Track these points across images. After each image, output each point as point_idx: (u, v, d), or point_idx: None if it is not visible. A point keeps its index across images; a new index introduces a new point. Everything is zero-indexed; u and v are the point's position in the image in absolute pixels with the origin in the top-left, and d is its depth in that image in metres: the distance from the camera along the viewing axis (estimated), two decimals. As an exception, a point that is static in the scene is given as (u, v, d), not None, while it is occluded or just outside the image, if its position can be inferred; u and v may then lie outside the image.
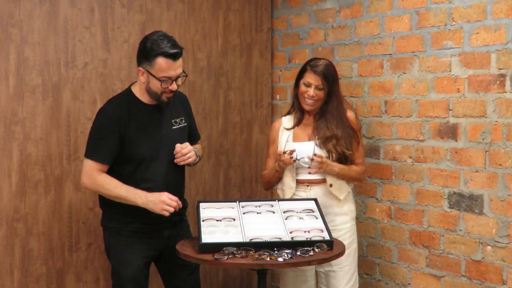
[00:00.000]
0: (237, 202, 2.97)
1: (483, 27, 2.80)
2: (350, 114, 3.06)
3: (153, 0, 3.53)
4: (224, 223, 2.78)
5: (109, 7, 3.37)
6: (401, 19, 3.18)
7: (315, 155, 2.91)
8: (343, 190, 3.03)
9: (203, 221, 2.77)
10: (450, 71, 2.96)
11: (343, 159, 2.99)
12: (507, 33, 2.71)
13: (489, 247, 2.83)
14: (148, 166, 2.77)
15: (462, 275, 2.95)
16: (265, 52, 4.03)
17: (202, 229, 2.71)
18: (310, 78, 3.00)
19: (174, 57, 2.65)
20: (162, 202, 2.67)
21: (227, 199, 3.87)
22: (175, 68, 2.68)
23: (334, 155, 2.98)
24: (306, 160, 2.93)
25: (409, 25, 3.14)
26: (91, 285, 3.38)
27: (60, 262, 3.26)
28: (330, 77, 2.99)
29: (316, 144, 2.99)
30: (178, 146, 2.80)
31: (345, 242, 2.91)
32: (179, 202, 2.73)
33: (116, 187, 2.70)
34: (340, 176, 2.99)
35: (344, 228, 3.04)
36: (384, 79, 3.30)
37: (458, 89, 2.93)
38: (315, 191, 3.01)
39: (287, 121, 3.15)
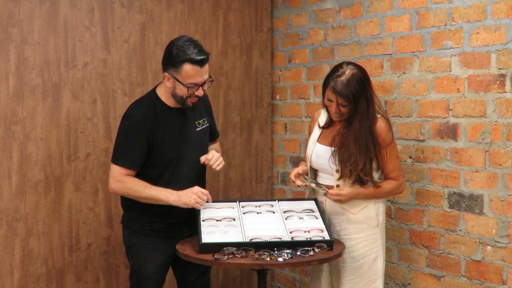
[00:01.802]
0: (237, 202, 2.98)
1: (483, 27, 2.80)
2: (380, 126, 2.75)
3: (153, 0, 3.53)
4: (224, 223, 2.78)
5: (109, 7, 3.38)
6: (401, 19, 3.18)
7: (327, 190, 2.76)
8: (357, 203, 2.82)
9: (203, 221, 2.78)
10: (450, 71, 2.96)
11: (363, 179, 2.78)
12: (507, 33, 2.71)
13: (489, 247, 2.83)
14: (174, 169, 2.79)
15: (462, 275, 2.95)
16: (265, 52, 4.03)
17: (202, 229, 2.71)
18: (331, 95, 2.73)
19: (201, 63, 2.63)
20: (196, 194, 2.73)
21: (227, 199, 3.87)
22: (202, 74, 2.66)
23: (349, 177, 2.78)
24: (321, 191, 2.84)
25: (409, 25, 3.14)
26: (91, 285, 3.38)
27: (60, 262, 3.26)
28: (351, 95, 2.68)
29: (333, 154, 2.81)
30: (203, 158, 2.82)
31: (357, 253, 2.81)
32: (209, 196, 2.80)
33: (146, 188, 2.72)
34: (362, 199, 2.81)
35: (358, 237, 2.83)
36: (384, 79, 3.30)
37: (458, 89, 2.93)
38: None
39: (323, 115, 2.95)
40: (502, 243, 2.78)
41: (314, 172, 2.98)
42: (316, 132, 2.97)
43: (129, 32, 3.45)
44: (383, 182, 2.84)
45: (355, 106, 2.72)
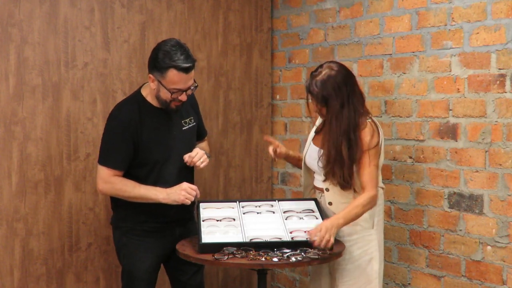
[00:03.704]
0: (237, 202, 2.98)
1: (483, 27, 2.80)
2: (363, 132, 2.70)
3: (153, 0, 3.53)
4: (224, 223, 2.78)
5: (109, 7, 3.38)
6: (401, 19, 3.18)
7: (309, 239, 2.56)
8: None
9: (203, 221, 2.78)
10: (450, 71, 2.96)
11: (344, 184, 2.73)
12: (507, 33, 2.71)
13: (489, 247, 2.83)
14: (161, 168, 2.80)
15: (462, 275, 2.95)
16: (265, 52, 4.03)
17: (202, 229, 2.72)
18: (308, 94, 2.76)
19: (186, 70, 2.63)
20: (184, 190, 2.72)
21: (227, 199, 3.87)
22: (187, 80, 2.67)
23: (334, 181, 2.74)
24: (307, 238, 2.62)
25: (409, 25, 3.14)
26: (91, 285, 3.38)
27: (60, 262, 3.26)
28: (320, 95, 2.68)
29: (319, 156, 2.80)
30: (186, 156, 2.81)
31: (350, 255, 2.78)
32: (198, 191, 2.77)
33: (135, 187, 2.73)
34: (345, 222, 2.64)
35: (352, 239, 2.79)
36: (384, 79, 3.30)
37: (458, 89, 2.93)
38: (324, 200, 2.89)
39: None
40: (502, 243, 2.78)
41: (309, 172, 2.98)
42: (312, 132, 2.98)
43: (129, 32, 3.45)
44: (352, 201, 2.71)
45: (327, 107, 2.70)
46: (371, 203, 2.70)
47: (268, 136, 3.03)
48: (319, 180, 2.89)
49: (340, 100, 2.68)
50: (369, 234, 2.82)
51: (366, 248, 2.82)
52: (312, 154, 2.89)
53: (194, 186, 2.77)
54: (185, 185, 2.74)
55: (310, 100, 2.78)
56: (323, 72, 2.70)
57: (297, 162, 3.09)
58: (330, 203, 2.84)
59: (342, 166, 2.69)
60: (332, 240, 2.53)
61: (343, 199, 2.78)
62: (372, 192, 2.69)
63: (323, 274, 2.96)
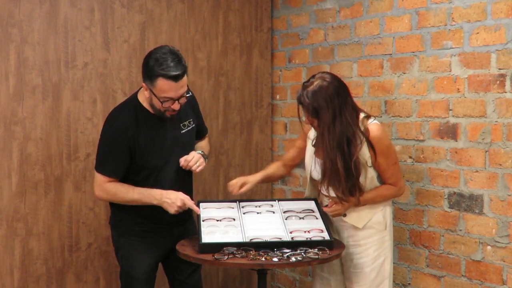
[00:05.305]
0: (237, 202, 2.98)
1: (483, 27, 2.80)
2: (372, 135, 2.67)
3: (153, 0, 3.53)
4: (224, 223, 2.78)
5: (109, 7, 3.38)
6: (401, 19, 3.18)
7: (326, 206, 2.78)
8: (362, 217, 2.79)
9: (203, 221, 2.78)
10: (450, 71, 2.96)
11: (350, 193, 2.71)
12: (507, 33, 2.71)
13: (489, 247, 2.83)
14: (159, 173, 2.79)
15: (462, 275, 2.95)
16: (265, 52, 4.03)
17: (202, 229, 2.72)
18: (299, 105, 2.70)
19: (175, 78, 2.57)
20: (180, 208, 2.70)
21: (227, 199, 3.86)
22: (177, 89, 2.61)
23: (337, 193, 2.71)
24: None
25: (409, 25, 3.14)
26: (91, 285, 3.38)
27: (60, 262, 3.26)
28: (311, 107, 2.61)
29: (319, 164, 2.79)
30: (182, 160, 2.80)
31: (367, 258, 2.79)
32: (189, 203, 2.74)
33: (129, 192, 2.72)
34: (365, 204, 2.75)
35: (368, 242, 2.80)
36: (384, 79, 3.30)
37: (458, 89, 2.93)
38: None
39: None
40: (502, 243, 2.78)
41: (314, 184, 2.95)
42: (310, 146, 2.90)
43: (129, 32, 3.45)
44: (379, 188, 2.78)
45: (319, 119, 2.64)
46: (396, 194, 2.85)
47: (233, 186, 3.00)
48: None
49: (332, 112, 2.60)
50: (383, 235, 2.82)
51: (381, 249, 2.82)
52: (318, 168, 2.83)
53: (189, 203, 2.72)
54: (180, 201, 2.70)
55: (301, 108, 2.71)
56: (315, 83, 2.63)
57: (268, 179, 3.17)
58: (344, 215, 2.80)
59: (339, 179, 2.65)
60: (339, 213, 2.77)
61: (357, 209, 2.77)
62: (398, 185, 2.80)
63: (334, 274, 2.93)
